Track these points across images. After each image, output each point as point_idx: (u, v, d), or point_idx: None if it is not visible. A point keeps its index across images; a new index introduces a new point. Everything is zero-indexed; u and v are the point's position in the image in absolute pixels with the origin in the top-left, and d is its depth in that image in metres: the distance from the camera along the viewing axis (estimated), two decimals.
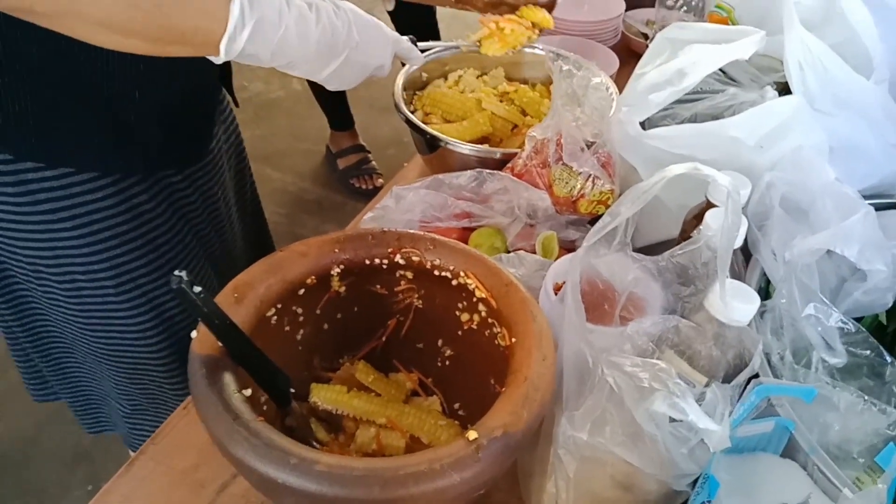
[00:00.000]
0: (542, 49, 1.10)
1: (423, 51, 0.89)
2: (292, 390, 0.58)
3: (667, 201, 0.75)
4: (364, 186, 2.43)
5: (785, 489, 0.54)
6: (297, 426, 0.59)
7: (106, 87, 0.74)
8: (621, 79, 0.98)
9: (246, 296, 0.56)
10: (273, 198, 2.39)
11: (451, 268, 0.61)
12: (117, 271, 0.85)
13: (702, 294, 0.56)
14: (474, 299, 0.61)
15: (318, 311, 0.63)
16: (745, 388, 0.52)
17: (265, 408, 0.56)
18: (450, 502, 0.48)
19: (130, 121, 0.78)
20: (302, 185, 2.48)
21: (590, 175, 0.80)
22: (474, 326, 0.62)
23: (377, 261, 0.62)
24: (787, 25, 0.75)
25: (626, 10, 1.37)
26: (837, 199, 0.68)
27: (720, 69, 0.83)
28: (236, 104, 1.02)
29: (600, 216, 0.55)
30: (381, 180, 2.43)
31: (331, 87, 0.76)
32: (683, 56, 0.78)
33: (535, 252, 0.78)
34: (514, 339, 0.55)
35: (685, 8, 1.26)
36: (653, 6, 1.33)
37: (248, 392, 0.51)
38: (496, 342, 0.60)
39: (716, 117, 0.79)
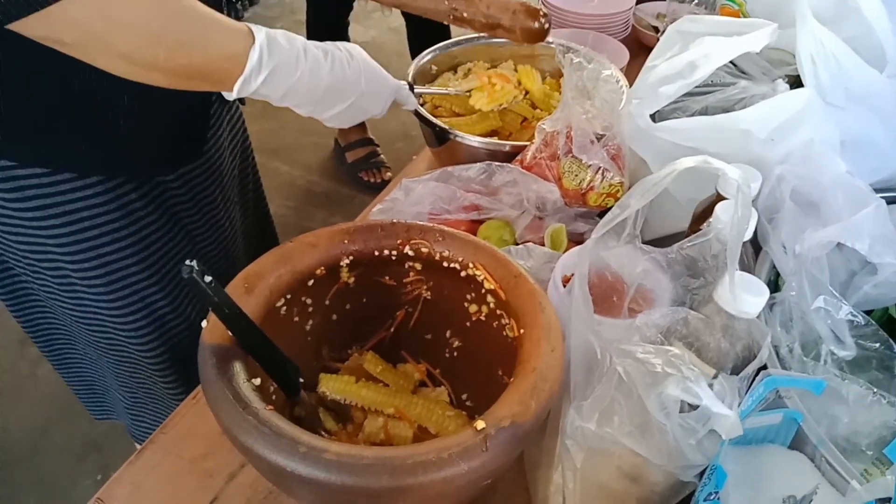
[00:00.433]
0: (552, 42, 1.10)
1: (418, 96, 0.94)
2: (301, 380, 0.58)
3: (676, 194, 0.74)
4: (372, 180, 2.43)
5: (792, 481, 0.54)
6: (305, 415, 0.59)
7: (97, 92, 0.73)
8: (631, 72, 0.97)
9: (256, 286, 0.56)
10: (281, 191, 2.39)
11: (460, 259, 0.61)
12: (108, 269, 0.85)
13: (711, 286, 0.56)
14: (483, 291, 0.61)
15: (327, 302, 0.63)
16: (753, 379, 0.52)
17: (274, 397, 0.57)
18: (457, 491, 0.49)
19: (121, 125, 0.77)
20: (310, 179, 2.48)
21: (599, 168, 0.80)
22: (482, 318, 0.62)
23: (386, 252, 0.62)
24: (799, 18, 0.75)
25: (637, 4, 1.36)
26: (848, 192, 0.67)
27: (731, 62, 0.83)
28: (242, 102, 1.01)
29: (609, 209, 0.55)
30: (389, 174, 2.43)
31: (329, 125, 0.80)
32: (694, 49, 0.77)
33: (543, 245, 0.78)
34: (522, 331, 0.55)
35: (696, 1, 1.26)
36: None
37: (258, 381, 0.51)
38: (504, 333, 0.60)
39: (726, 110, 0.79)
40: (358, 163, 2.46)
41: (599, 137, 0.81)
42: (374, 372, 0.65)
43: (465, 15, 0.93)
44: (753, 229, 0.64)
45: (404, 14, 2.40)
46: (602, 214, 0.83)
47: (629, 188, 0.81)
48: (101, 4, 0.57)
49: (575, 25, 1.27)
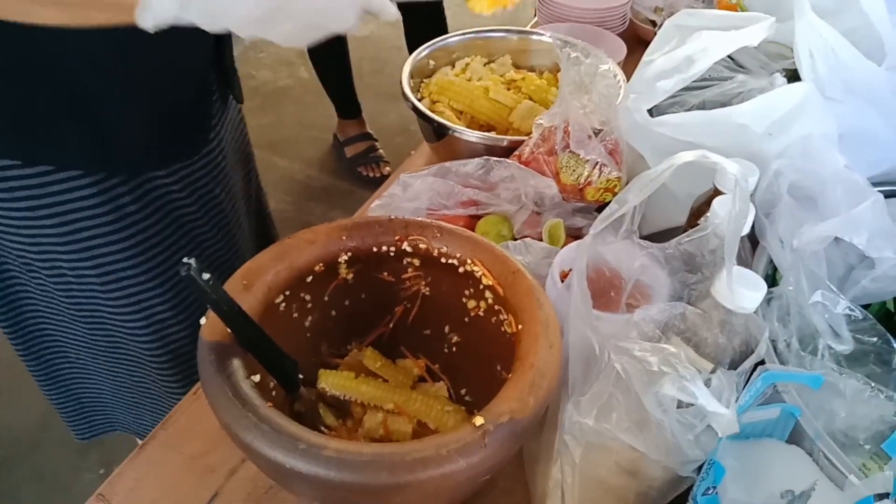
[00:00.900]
0: (549, 36, 1.09)
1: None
2: (300, 376, 0.58)
3: (674, 189, 0.74)
4: (371, 174, 2.43)
5: (790, 475, 0.54)
6: (305, 412, 0.60)
7: (84, 86, 0.72)
8: (629, 66, 0.97)
9: (254, 283, 0.56)
10: (280, 185, 2.39)
11: (459, 255, 0.61)
12: (102, 270, 0.83)
13: (708, 281, 0.56)
14: (481, 286, 0.61)
15: (325, 298, 0.63)
16: (751, 374, 0.52)
17: (274, 393, 0.57)
18: (456, 487, 0.49)
19: (112, 120, 0.75)
20: (309, 173, 2.48)
21: (597, 163, 0.80)
22: (481, 313, 0.63)
23: (384, 248, 0.62)
24: (797, 12, 0.75)
25: None
26: (847, 186, 0.68)
27: (729, 56, 0.82)
28: (240, 101, 0.98)
29: (607, 204, 0.55)
30: (388, 168, 2.43)
31: (286, 45, 0.61)
32: (692, 43, 0.77)
33: (541, 240, 0.78)
34: (520, 326, 0.55)
35: None
36: None
37: (257, 378, 0.51)
38: (502, 329, 0.60)
39: (724, 104, 0.79)
40: (357, 157, 2.46)
41: (597, 132, 0.81)
42: (373, 367, 0.65)
43: None
44: (751, 224, 0.64)
45: (401, 8, 2.39)
46: (600, 209, 0.83)
47: (627, 183, 0.81)
48: None
49: (572, 19, 1.26)
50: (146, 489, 0.66)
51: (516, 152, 0.86)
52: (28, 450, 1.70)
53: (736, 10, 1.07)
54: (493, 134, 0.95)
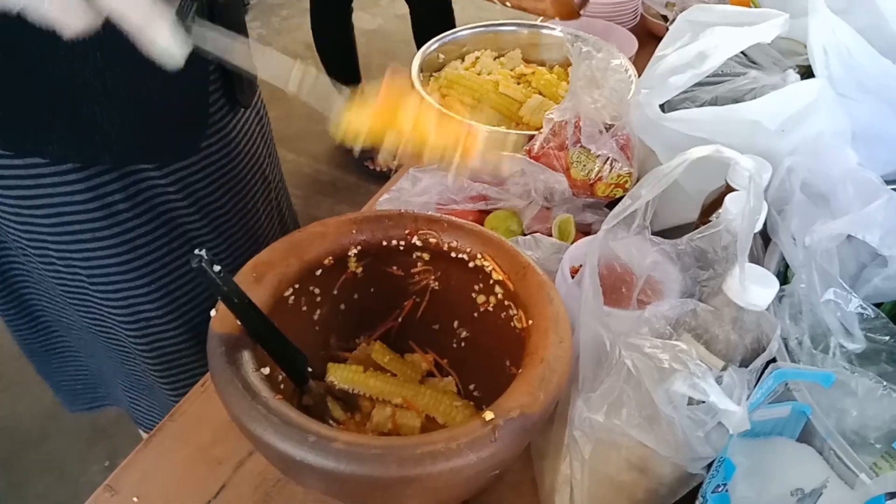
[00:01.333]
0: (560, 31, 1.09)
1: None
2: (309, 369, 0.58)
3: (685, 185, 0.74)
4: (378, 169, 2.43)
5: (801, 474, 0.54)
6: (314, 405, 0.60)
7: (65, 78, 0.70)
8: (640, 62, 0.97)
9: (265, 275, 0.56)
10: (288, 179, 2.37)
11: (468, 250, 0.61)
12: (90, 264, 0.82)
13: (720, 278, 0.56)
14: (491, 281, 0.61)
15: (335, 292, 0.63)
16: (762, 372, 0.52)
17: (282, 386, 0.57)
18: (466, 481, 0.49)
19: (95, 113, 0.73)
20: (317, 167, 2.48)
21: (608, 158, 0.79)
22: (490, 308, 0.62)
23: (394, 242, 0.62)
24: (811, 8, 0.74)
25: None
26: (859, 184, 0.67)
27: (741, 52, 0.82)
28: (245, 105, 0.91)
29: (618, 200, 0.55)
30: (395, 163, 2.43)
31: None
32: (704, 39, 0.77)
33: (551, 235, 0.78)
34: (530, 322, 0.55)
35: None
36: None
37: (267, 371, 0.51)
38: (512, 324, 0.60)
39: (736, 101, 0.79)
40: (364, 152, 2.46)
41: (608, 127, 0.80)
42: (381, 362, 0.65)
43: None
44: (763, 221, 0.64)
45: (407, 1, 2.39)
46: (610, 205, 0.83)
47: (638, 179, 0.81)
48: None
49: (585, 15, 1.26)
50: (154, 481, 0.66)
51: (526, 147, 0.86)
52: (38, 440, 1.71)
53: (749, 6, 1.07)
54: (503, 128, 0.94)
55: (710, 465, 0.53)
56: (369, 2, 3.27)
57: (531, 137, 0.86)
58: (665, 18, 1.33)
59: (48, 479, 1.65)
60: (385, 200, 0.82)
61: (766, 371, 0.51)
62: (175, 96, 0.79)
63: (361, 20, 2.69)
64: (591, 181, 0.81)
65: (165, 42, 0.51)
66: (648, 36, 1.31)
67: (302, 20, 2.78)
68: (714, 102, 0.83)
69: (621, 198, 0.55)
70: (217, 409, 0.71)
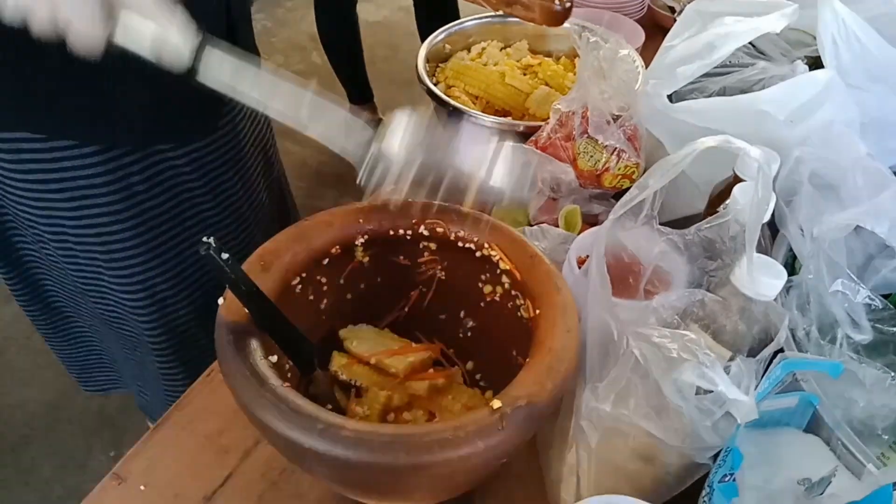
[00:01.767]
0: (567, 22, 1.08)
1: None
2: (315, 359, 0.58)
3: (692, 176, 0.74)
4: None
5: (808, 464, 0.54)
6: (320, 394, 0.60)
7: (88, 62, 0.70)
8: (647, 53, 0.96)
9: (272, 264, 0.56)
10: (293, 171, 2.39)
11: (475, 239, 0.61)
12: (108, 247, 0.84)
13: (728, 268, 0.56)
14: (498, 271, 0.61)
15: (341, 281, 0.63)
16: (769, 362, 0.52)
17: (289, 375, 0.57)
18: (473, 469, 0.49)
19: (114, 91, 0.74)
20: (321, 159, 2.48)
21: (615, 148, 0.79)
22: (497, 298, 0.62)
23: (401, 231, 0.62)
24: None
25: None
26: (868, 174, 0.67)
27: (750, 43, 0.81)
28: None
29: (624, 190, 0.55)
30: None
31: None
32: (713, 29, 0.76)
33: (557, 226, 0.78)
34: (538, 311, 0.55)
35: None
36: None
37: (275, 359, 0.51)
38: (518, 314, 0.60)
39: (745, 91, 0.78)
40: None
41: (616, 118, 0.80)
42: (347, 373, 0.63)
43: None
44: (771, 211, 0.64)
45: None
46: (617, 196, 0.83)
47: (645, 170, 0.80)
48: None
49: (591, 5, 1.25)
50: (161, 469, 0.66)
51: (533, 137, 0.86)
52: (44, 429, 1.72)
53: None
54: (509, 119, 0.94)
55: (716, 456, 0.53)
56: None
57: (537, 128, 0.86)
58: (672, 10, 1.33)
59: (54, 466, 1.66)
60: (391, 191, 0.82)
61: (774, 361, 0.51)
62: (189, 85, 0.80)
63: (366, 12, 2.68)
64: (598, 172, 0.80)
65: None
66: (655, 27, 1.30)
67: (306, 12, 2.77)
68: (722, 93, 0.83)
69: (628, 189, 0.55)
70: (223, 398, 0.71)
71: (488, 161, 0.55)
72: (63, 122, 0.76)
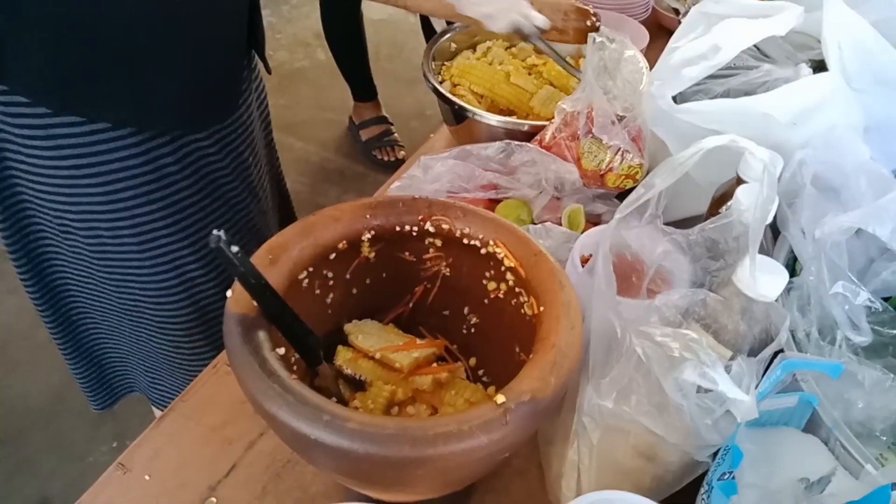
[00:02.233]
0: None
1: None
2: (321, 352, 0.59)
3: (696, 177, 0.74)
4: (386, 158, 2.43)
5: (806, 464, 0.54)
6: (326, 387, 0.60)
7: (127, 43, 0.75)
8: (651, 54, 0.97)
9: (280, 258, 0.57)
10: (296, 167, 2.40)
11: (481, 237, 0.61)
12: (140, 230, 0.87)
13: (731, 269, 0.56)
14: (502, 268, 0.61)
15: (347, 276, 0.64)
16: (770, 362, 0.52)
17: (295, 368, 0.58)
18: (477, 463, 0.49)
19: (150, 76, 0.78)
20: (324, 155, 2.49)
21: (619, 149, 0.80)
22: (501, 295, 0.63)
23: (407, 228, 0.62)
24: (826, 2, 0.74)
25: None
26: (871, 178, 0.67)
27: (754, 45, 0.82)
28: (269, 71, 1.03)
29: (628, 191, 0.55)
30: (403, 152, 2.43)
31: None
32: (718, 31, 0.77)
33: (560, 225, 0.78)
34: (542, 308, 0.56)
35: None
36: None
37: (282, 351, 0.52)
38: (522, 311, 0.60)
39: (749, 93, 0.79)
40: (372, 141, 2.46)
41: (620, 118, 0.81)
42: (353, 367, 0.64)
43: None
44: (774, 213, 0.64)
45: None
46: (620, 196, 0.83)
47: (648, 170, 0.81)
48: None
49: (596, 6, 1.25)
50: (165, 459, 0.67)
51: (537, 137, 0.86)
52: (46, 420, 1.73)
53: None
54: (513, 118, 0.95)
55: (715, 454, 0.53)
56: None
57: (541, 128, 0.86)
58: (676, 12, 1.33)
59: (56, 458, 1.66)
60: (396, 188, 0.83)
61: (775, 361, 0.51)
62: (218, 59, 0.85)
63: (370, 9, 2.68)
64: (602, 172, 0.81)
65: None
66: (660, 29, 1.31)
67: (312, 9, 2.77)
68: (726, 95, 0.83)
69: (632, 189, 0.56)
70: (228, 390, 0.72)
71: None
72: (105, 107, 0.79)
